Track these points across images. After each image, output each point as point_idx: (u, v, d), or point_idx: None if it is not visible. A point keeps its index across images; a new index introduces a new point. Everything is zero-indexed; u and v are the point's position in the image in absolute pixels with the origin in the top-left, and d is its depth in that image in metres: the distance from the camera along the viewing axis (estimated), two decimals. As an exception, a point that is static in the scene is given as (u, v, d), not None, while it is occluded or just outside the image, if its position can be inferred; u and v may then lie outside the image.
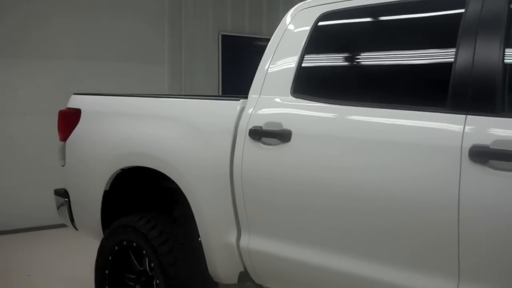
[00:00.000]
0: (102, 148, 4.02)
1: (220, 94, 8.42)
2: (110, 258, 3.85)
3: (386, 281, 2.72)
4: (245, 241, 3.30)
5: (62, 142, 4.39)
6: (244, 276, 3.41)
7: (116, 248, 3.82)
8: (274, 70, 3.28)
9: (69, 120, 4.34)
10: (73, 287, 4.97)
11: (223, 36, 8.66)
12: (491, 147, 2.40)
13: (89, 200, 4.10)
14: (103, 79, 7.56)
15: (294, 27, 3.31)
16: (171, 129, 3.60)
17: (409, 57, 2.88)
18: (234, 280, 3.44)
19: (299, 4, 3.38)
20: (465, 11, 2.65)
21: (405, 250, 2.66)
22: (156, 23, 8.13)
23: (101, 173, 3.97)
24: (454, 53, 2.62)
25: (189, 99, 3.82)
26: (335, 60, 3.24)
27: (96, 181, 4.02)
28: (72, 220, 4.36)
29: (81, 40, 7.46)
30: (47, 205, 5.69)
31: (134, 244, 3.71)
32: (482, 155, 2.42)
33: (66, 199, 4.33)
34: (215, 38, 8.60)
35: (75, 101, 4.42)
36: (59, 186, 4.44)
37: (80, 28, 7.45)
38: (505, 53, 2.50)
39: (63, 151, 4.36)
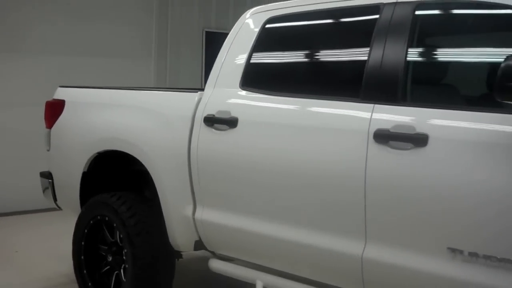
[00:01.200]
0: (81, 134, 4.52)
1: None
2: (85, 231, 4.35)
3: (313, 244, 3.21)
4: (199, 213, 3.80)
5: (48, 130, 4.89)
6: (199, 245, 3.91)
7: (91, 222, 4.32)
8: (227, 66, 3.79)
9: (54, 109, 4.84)
10: (56, 261, 5.46)
11: (207, 33, 9.14)
12: (391, 130, 2.90)
13: (70, 181, 4.60)
14: (93, 73, 8.03)
15: (245, 29, 3.81)
16: (140, 117, 4.10)
17: (334, 55, 3.40)
18: (190, 248, 3.94)
19: (251, 9, 3.89)
20: (379, 17, 3.15)
21: (328, 217, 3.16)
22: (144, 20, 8.61)
23: (80, 156, 4.48)
24: (368, 52, 3.12)
25: (155, 91, 4.34)
26: (277, 57, 3.75)
27: (75, 164, 4.52)
28: (55, 199, 4.87)
29: (72, 36, 7.94)
30: (35, 190, 6.15)
31: (107, 218, 4.21)
32: (384, 137, 2.92)
33: (50, 180, 4.84)
34: (199, 34, 9.08)
35: (60, 93, 4.92)
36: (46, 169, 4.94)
37: (70, 24, 7.92)
38: (408, 53, 3.00)
39: (48, 138, 4.86)
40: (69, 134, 4.65)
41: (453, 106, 2.82)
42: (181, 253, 4.22)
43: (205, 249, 3.93)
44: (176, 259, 4.26)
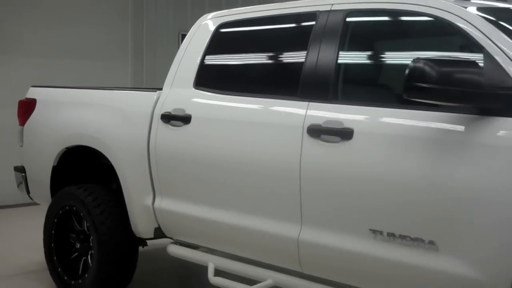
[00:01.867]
0: (51, 130, 4.82)
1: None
2: (55, 220, 4.66)
3: (257, 229, 3.55)
4: (158, 203, 4.12)
5: (21, 127, 5.19)
6: (158, 231, 4.23)
7: (60, 212, 4.63)
8: (183, 67, 4.11)
9: (26, 108, 5.15)
10: (30, 251, 5.75)
11: (183, 36, 9.42)
12: (322, 125, 3.24)
13: (41, 174, 4.91)
14: (71, 75, 8.31)
15: (199, 33, 4.14)
16: (104, 114, 4.42)
17: (276, 58, 3.74)
18: (150, 234, 4.26)
19: (205, 15, 4.22)
20: (315, 23, 3.49)
21: (269, 204, 3.49)
22: (120, 23, 8.93)
23: (50, 151, 4.78)
24: (305, 55, 3.45)
25: (119, 91, 4.66)
26: (227, 59, 4.09)
27: (46, 158, 4.82)
28: (28, 192, 5.17)
29: (49, 39, 8.23)
30: (10, 186, 6.41)
31: (74, 208, 4.52)
32: (316, 131, 3.25)
33: (23, 174, 5.14)
34: (175, 37, 9.40)
35: (32, 93, 5.23)
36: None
37: (48, 28, 8.21)
38: (339, 56, 3.34)
39: (21, 134, 5.17)
40: (40, 130, 4.95)
41: (376, 103, 3.15)
42: (146, 241, 4.54)
43: (164, 235, 4.25)
44: (142, 247, 4.59)
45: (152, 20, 9.16)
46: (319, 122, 3.26)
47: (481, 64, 2.77)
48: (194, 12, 9.54)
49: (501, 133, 2.67)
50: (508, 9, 3.35)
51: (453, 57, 2.75)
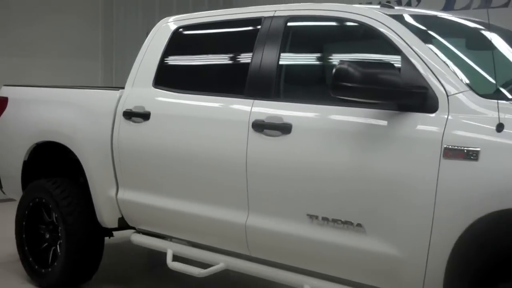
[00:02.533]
0: (22, 127, 5.11)
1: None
2: (26, 212, 4.95)
3: (210, 216, 3.87)
4: (121, 194, 4.43)
5: (-7, 124, 5.46)
6: (122, 221, 4.54)
7: (31, 204, 4.92)
8: (143, 67, 4.42)
9: None
10: (3, 243, 6.01)
11: (152, 36, 9.72)
12: (265, 121, 3.57)
13: (12, 169, 5.19)
14: (42, 74, 8.56)
15: (159, 36, 4.45)
16: (71, 111, 4.72)
17: (227, 59, 4.06)
18: (115, 224, 4.57)
19: (164, 19, 4.54)
20: (260, 27, 3.82)
21: (220, 194, 3.82)
22: (91, 23, 9.22)
23: (21, 147, 5.06)
24: (251, 57, 3.78)
25: (85, 89, 4.96)
26: (183, 60, 4.41)
27: (17, 154, 5.10)
28: (1, 186, 5.46)
29: (20, 39, 8.48)
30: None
31: (44, 200, 4.81)
32: (260, 126, 3.59)
33: (-5, 169, 5.42)
34: (144, 37, 9.62)
35: (4, 91, 5.51)
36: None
37: (20, 27, 8.47)
38: (280, 57, 3.67)
39: None
40: (12, 127, 5.23)
41: (312, 101, 3.48)
42: (112, 232, 4.84)
43: (127, 225, 4.56)
44: (108, 237, 4.89)
45: (121, 20, 9.45)
46: (262, 118, 3.59)
47: (399, 66, 3.12)
48: (162, 14, 9.76)
49: (415, 126, 3.02)
50: (427, 15, 3.70)
51: (374, 60, 3.10)
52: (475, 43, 3.67)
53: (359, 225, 3.19)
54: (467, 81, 3.05)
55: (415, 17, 3.57)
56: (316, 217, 3.36)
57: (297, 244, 3.48)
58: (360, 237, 3.20)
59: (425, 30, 3.39)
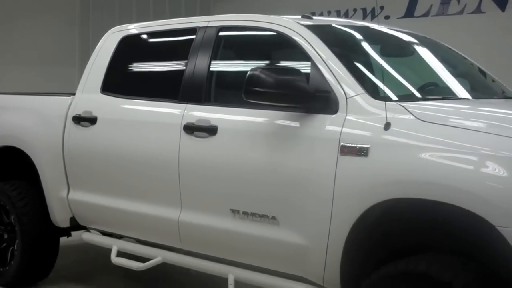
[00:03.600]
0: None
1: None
2: (-16, 214, 5.21)
3: (149, 213, 4.13)
4: (71, 195, 4.69)
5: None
6: (73, 221, 4.80)
7: (-12, 206, 5.18)
8: (92, 74, 4.70)
9: None
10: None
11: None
12: (195, 123, 3.84)
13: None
14: (22, 81, 8.85)
15: (106, 45, 4.73)
16: (27, 117, 4.99)
17: (165, 66, 4.33)
18: (67, 224, 4.83)
19: (113, 28, 4.82)
20: (195, 37, 4.10)
21: (157, 192, 4.08)
22: (68, 29, 9.51)
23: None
24: (186, 64, 4.06)
25: (40, 96, 5.23)
26: (127, 67, 4.68)
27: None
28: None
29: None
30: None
31: (2, 203, 5.07)
32: (190, 128, 3.86)
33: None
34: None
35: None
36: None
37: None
38: (210, 64, 3.95)
39: None
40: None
41: (236, 104, 3.73)
42: (70, 231, 5.09)
43: (78, 224, 4.83)
44: (66, 237, 5.14)
45: (98, 26, 9.73)
46: (193, 120, 3.86)
47: (308, 71, 3.40)
48: (139, 19, 10.14)
49: (319, 127, 3.30)
50: (342, 25, 3.98)
51: (285, 66, 3.37)
52: (389, 51, 3.96)
53: (273, 217, 3.46)
54: (364, 85, 3.32)
55: (330, 27, 3.84)
56: (238, 211, 3.62)
57: (222, 237, 3.75)
58: (275, 228, 3.46)
59: (335, 39, 3.66)
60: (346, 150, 3.14)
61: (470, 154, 2.80)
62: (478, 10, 7.92)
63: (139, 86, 4.52)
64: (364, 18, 9.00)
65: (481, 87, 4.19)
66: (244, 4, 10.19)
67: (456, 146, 2.86)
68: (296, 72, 3.32)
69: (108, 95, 4.55)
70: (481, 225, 2.71)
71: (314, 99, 3.33)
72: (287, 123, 3.44)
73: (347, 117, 3.23)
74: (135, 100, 4.35)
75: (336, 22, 4.01)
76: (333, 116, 3.28)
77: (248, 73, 3.30)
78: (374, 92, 3.29)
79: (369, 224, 3.09)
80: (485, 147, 2.79)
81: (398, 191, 2.97)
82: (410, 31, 4.41)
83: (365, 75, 3.45)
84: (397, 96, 3.33)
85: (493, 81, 4.37)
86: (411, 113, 3.08)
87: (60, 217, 4.82)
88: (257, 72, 3.28)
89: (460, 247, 2.95)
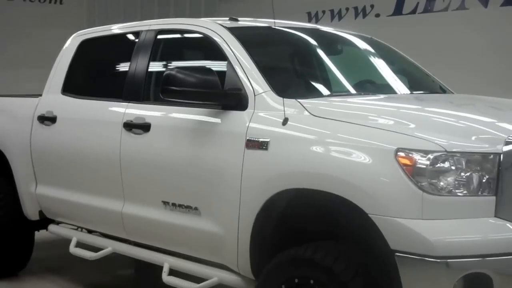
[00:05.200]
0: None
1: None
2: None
3: (99, 206, 4.41)
4: (38, 189, 5.02)
5: None
6: (42, 213, 5.12)
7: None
8: (55, 76, 5.01)
9: None
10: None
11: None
12: (133, 121, 4.11)
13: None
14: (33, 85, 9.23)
15: (68, 48, 5.04)
16: (2, 117, 5.34)
17: (116, 68, 4.61)
18: (37, 217, 5.14)
19: (76, 32, 5.13)
20: (138, 39, 4.37)
21: (105, 185, 4.37)
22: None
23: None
24: (129, 65, 4.33)
25: (12, 97, 5.57)
26: (83, 69, 4.98)
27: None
28: None
29: (10, 51, 9.22)
30: None
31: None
32: (129, 126, 4.12)
33: None
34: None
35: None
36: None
37: (10, 42, 9.20)
38: (149, 65, 4.21)
39: None
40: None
41: (167, 102, 3.94)
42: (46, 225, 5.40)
43: (46, 217, 5.14)
44: (37, 230, 5.44)
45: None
46: (131, 118, 4.13)
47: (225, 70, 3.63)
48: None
49: (231, 122, 3.53)
50: (265, 27, 4.20)
51: (200, 65, 3.61)
52: (314, 50, 4.17)
53: (196, 208, 3.70)
54: (272, 83, 3.53)
55: (250, 28, 4.06)
56: (168, 203, 3.88)
57: (157, 227, 4.01)
58: (198, 219, 3.70)
59: (253, 40, 3.88)
60: (250, 144, 3.37)
61: (350, 146, 3.00)
62: (462, 6, 8.01)
63: (93, 87, 4.84)
64: (356, 16, 9.16)
65: (412, 84, 4.35)
66: (248, 4, 10.44)
67: (339, 138, 3.07)
68: (209, 71, 3.56)
69: (67, 95, 4.86)
70: (358, 213, 2.91)
71: (228, 96, 3.57)
72: (206, 119, 3.68)
73: (254, 113, 3.45)
74: (87, 100, 4.66)
75: (265, 24, 4.22)
76: (243, 112, 3.51)
77: (165, 73, 3.55)
78: (278, 89, 3.51)
79: (270, 213, 3.31)
80: (364, 139, 2.99)
81: (293, 182, 3.19)
82: (352, 32, 4.63)
83: (273, 73, 3.66)
84: (300, 93, 3.55)
85: (433, 81, 4.54)
86: (306, 109, 3.29)
87: (30, 211, 5.14)
88: (173, 72, 3.53)
89: (346, 234, 3.15)
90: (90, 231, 4.91)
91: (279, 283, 3.15)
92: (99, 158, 4.36)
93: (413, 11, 8.47)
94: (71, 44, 5.05)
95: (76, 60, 4.94)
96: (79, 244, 4.75)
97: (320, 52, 4.18)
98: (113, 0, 10.28)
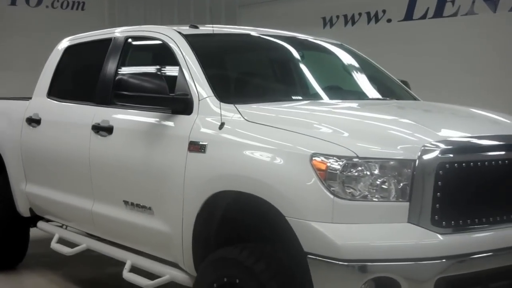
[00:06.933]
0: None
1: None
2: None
3: (74, 204, 4.62)
4: (27, 187, 5.27)
5: None
6: (31, 210, 5.35)
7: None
8: (43, 81, 5.25)
9: None
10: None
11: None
12: (100, 124, 4.29)
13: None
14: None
15: (55, 54, 5.28)
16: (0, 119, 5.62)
17: (91, 72, 4.75)
18: (28, 213, 5.38)
19: (65, 38, 5.36)
20: (111, 45, 4.56)
21: (79, 185, 4.56)
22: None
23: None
24: (101, 70, 4.52)
25: (9, 100, 5.85)
26: (66, 74, 5.20)
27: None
28: None
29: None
30: None
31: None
32: (96, 128, 4.30)
33: None
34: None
35: None
36: None
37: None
38: (117, 70, 4.37)
39: None
40: None
41: (127, 106, 4.07)
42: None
43: (35, 214, 5.39)
44: (31, 227, 5.69)
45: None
46: (99, 121, 4.32)
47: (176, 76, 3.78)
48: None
49: (178, 126, 3.67)
50: (224, 34, 4.32)
51: (150, 71, 3.77)
52: (264, 58, 4.26)
53: (150, 208, 3.86)
54: (215, 88, 3.66)
55: (206, 36, 4.18)
56: (128, 202, 4.04)
57: (119, 225, 4.19)
58: (152, 218, 3.86)
59: (206, 46, 4.00)
60: (192, 147, 3.51)
61: (273, 151, 3.11)
62: (471, 11, 7.96)
63: (73, 91, 5.08)
64: (368, 21, 9.18)
65: (368, 90, 4.40)
66: (266, 10, 10.59)
67: (265, 142, 3.18)
68: (158, 76, 3.71)
69: (51, 99, 5.10)
70: (279, 216, 3.00)
71: (175, 101, 3.71)
72: (158, 122, 3.83)
73: (198, 117, 3.59)
74: (67, 103, 4.87)
75: (226, 31, 4.34)
76: (189, 116, 3.64)
77: (116, 78, 3.71)
78: (221, 94, 3.63)
79: (212, 213, 3.44)
80: (286, 144, 3.08)
81: (227, 185, 3.31)
82: (322, 38, 4.71)
83: (220, 79, 3.79)
84: (241, 99, 3.66)
85: (395, 87, 4.57)
86: (240, 114, 3.40)
87: (22, 208, 5.39)
88: (125, 77, 3.70)
89: (273, 236, 3.24)
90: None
91: (211, 281, 3.27)
92: (73, 159, 4.56)
93: (423, 16, 8.44)
94: (58, 49, 5.29)
95: (60, 65, 5.17)
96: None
97: (276, 58, 4.27)
98: (134, 6, 10.55)
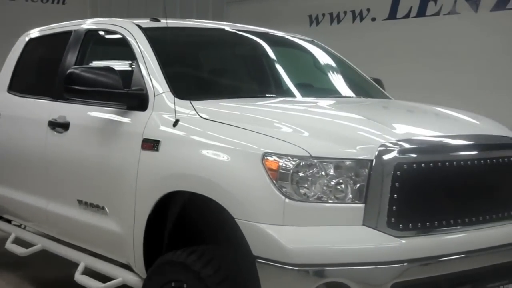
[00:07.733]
0: None
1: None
2: None
3: (31, 204, 4.43)
4: None
5: None
6: None
7: None
8: (3, 75, 5.05)
9: None
10: None
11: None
12: (57, 120, 4.11)
13: None
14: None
15: (16, 47, 5.08)
16: None
17: (53, 66, 4.53)
18: None
19: (25, 32, 5.16)
20: (71, 38, 4.37)
21: (34, 183, 4.37)
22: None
23: None
24: (60, 64, 4.33)
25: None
26: (27, 68, 5.00)
27: None
28: None
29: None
30: None
31: None
32: (53, 124, 4.11)
33: None
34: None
35: None
36: None
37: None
38: (76, 64, 4.19)
39: None
40: None
41: (84, 102, 3.88)
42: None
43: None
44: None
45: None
46: (55, 117, 4.13)
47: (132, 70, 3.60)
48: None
49: (133, 122, 3.49)
50: (182, 28, 4.14)
51: (104, 65, 3.58)
52: (223, 52, 4.09)
53: (103, 207, 3.68)
54: (171, 84, 3.47)
55: (166, 29, 3.97)
56: (82, 201, 3.86)
57: (72, 225, 4.00)
58: (105, 218, 3.68)
59: (165, 41, 3.79)
60: (145, 145, 3.33)
61: (224, 149, 2.93)
62: (453, 11, 7.85)
63: (32, 86, 4.88)
64: (353, 20, 9.05)
65: (337, 87, 4.24)
66: (253, 7, 10.46)
67: (218, 140, 3.01)
68: (112, 71, 3.51)
69: (11, 93, 4.90)
70: (229, 218, 2.83)
71: (130, 96, 3.52)
72: (113, 118, 3.64)
73: (153, 114, 3.41)
74: (27, 99, 4.68)
75: (188, 24, 4.16)
76: (144, 112, 3.46)
77: (68, 71, 3.53)
78: (177, 90, 3.44)
79: (160, 214, 3.26)
80: (238, 142, 2.91)
81: (178, 184, 3.14)
82: (293, 34, 4.54)
83: (177, 75, 3.61)
84: (197, 95, 3.48)
85: (367, 85, 4.42)
86: (196, 111, 3.22)
87: None
88: (76, 71, 3.50)
89: (227, 239, 3.06)
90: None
91: (158, 285, 3.09)
92: (29, 157, 4.38)
93: (407, 15, 8.32)
94: (19, 43, 5.10)
95: (21, 58, 4.98)
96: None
97: (240, 54, 4.09)
98: (117, 0, 10.35)
